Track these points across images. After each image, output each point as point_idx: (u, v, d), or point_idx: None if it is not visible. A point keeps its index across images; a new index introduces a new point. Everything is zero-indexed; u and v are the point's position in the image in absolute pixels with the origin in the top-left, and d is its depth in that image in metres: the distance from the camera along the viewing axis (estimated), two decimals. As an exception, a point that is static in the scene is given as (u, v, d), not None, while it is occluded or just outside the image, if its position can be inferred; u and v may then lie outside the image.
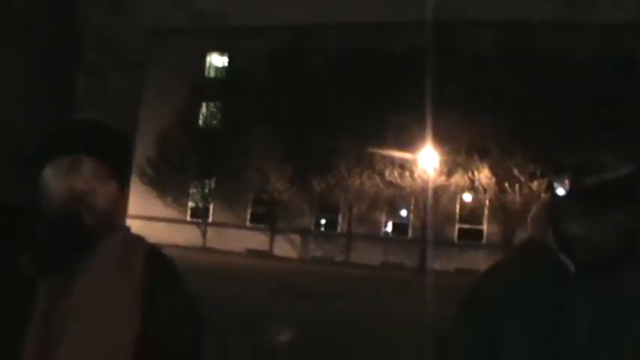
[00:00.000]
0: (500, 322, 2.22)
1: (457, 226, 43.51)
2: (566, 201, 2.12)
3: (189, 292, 2.29)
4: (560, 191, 2.10)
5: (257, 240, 46.29)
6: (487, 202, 41.76)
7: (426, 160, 39.37)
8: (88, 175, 2.07)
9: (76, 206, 2.04)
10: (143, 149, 48.80)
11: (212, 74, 51.48)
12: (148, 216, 48.03)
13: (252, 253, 44.43)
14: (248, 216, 48.41)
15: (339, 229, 46.21)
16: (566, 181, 2.07)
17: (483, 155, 40.05)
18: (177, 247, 42.65)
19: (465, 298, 2.39)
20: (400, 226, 45.50)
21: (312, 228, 46.77)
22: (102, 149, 2.12)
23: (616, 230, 2.08)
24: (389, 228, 46.16)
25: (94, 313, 2.03)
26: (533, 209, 2.35)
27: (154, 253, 2.24)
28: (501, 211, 39.86)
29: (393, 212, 45.41)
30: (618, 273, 2.13)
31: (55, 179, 2.07)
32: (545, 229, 2.25)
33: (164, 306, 2.14)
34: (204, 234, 47.19)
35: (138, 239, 2.25)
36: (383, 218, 45.54)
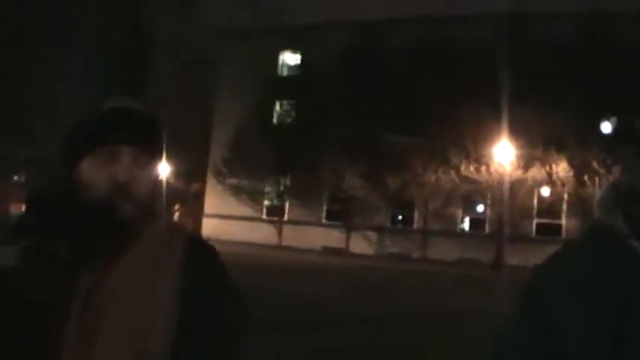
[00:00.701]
0: (560, 311, 2.14)
1: (535, 221, 42.96)
2: (619, 143, 2.08)
3: (232, 281, 2.27)
4: (607, 127, 2.07)
5: (333, 237, 46.38)
6: (565, 195, 41.18)
7: (502, 154, 38.96)
8: (128, 165, 2.08)
9: (119, 196, 2.04)
10: (218, 149, 49.47)
11: (285, 72, 51.74)
12: (224, 214, 48.63)
13: (328, 250, 44.51)
14: (324, 213, 48.54)
15: (414, 226, 46.05)
16: (614, 120, 2.03)
17: (560, 148, 39.50)
18: (253, 245, 43.16)
19: (525, 286, 2.33)
20: (477, 222, 45.16)
21: (388, 224, 46.69)
22: (139, 137, 2.12)
23: None
24: (465, 223, 45.84)
25: (132, 301, 2.04)
26: (601, 192, 2.27)
27: (194, 241, 2.24)
28: (580, 204, 39.18)
29: (469, 207, 45.09)
30: None
31: (95, 170, 2.08)
32: (613, 212, 2.16)
33: (203, 293, 2.12)
34: (280, 232, 47.46)
35: (177, 226, 2.27)
36: (459, 214, 45.23)
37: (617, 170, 2.16)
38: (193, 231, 2.26)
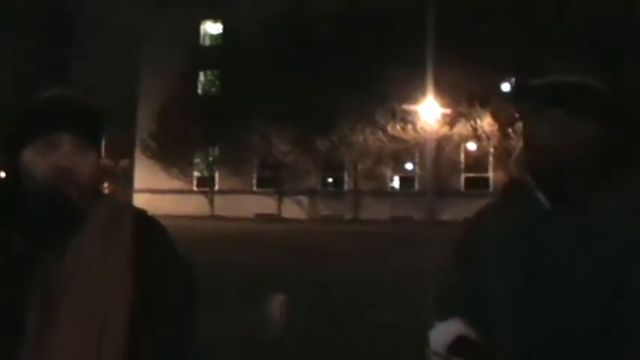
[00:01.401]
0: (481, 264, 2.30)
1: (463, 175, 43.59)
2: (517, 101, 2.24)
3: (181, 253, 2.33)
4: (506, 87, 2.17)
5: (265, 204, 46.42)
6: (491, 149, 41.76)
7: (428, 112, 39.25)
8: (69, 151, 2.12)
9: (62, 183, 2.08)
10: (144, 124, 48.97)
11: (207, 42, 51.31)
12: (154, 189, 48.26)
13: (261, 217, 44.55)
14: (254, 181, 48.53)
15: (345, 187, 46.31)
16: (512, 79, 2.13)
17: (484, 103, 40.00)
18: (186, 217, 42.93)
19: (456, 243, 2.48)
20: (406, 180, 45.59)
21: (319, 188, 46.85)
22: (79, 124, 2.16)
23: (578, 138, 2.13)
24: (396, 182, 46.22)
25: (88, 279, 2.09)
26: (516, 151, 2.39)
27: (141, 216, 2.30)
28: (506, 157, 39.78)
29: (398, 166, 45.46)
30: (592, 209, 2.14)
31: (36, 159, 2.11)
32: (525, 167, 2.28)
33: (155, 266, 2.18)
34: (211, 202, 47.34)
35: (124, 204, 2.34)
36: (389, 173, 45.60)
37: (521, 126, 2.30)
38: (140, 208, 2.36)
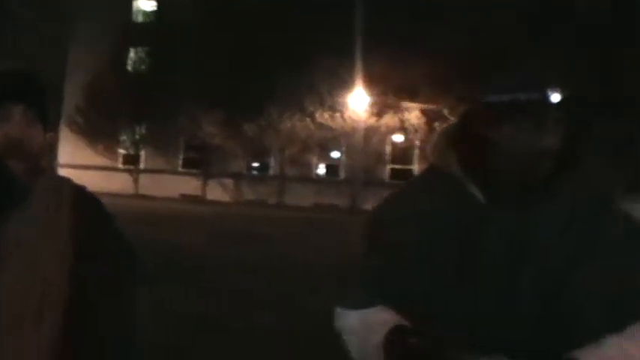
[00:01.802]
0: (405, 252, 2.27)
1: (388, 167, 43.93)
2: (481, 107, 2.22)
3: (119, 229, 2.36)
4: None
5: (190, 185, 46.23)
6: (417, 142, 42.09)
7: (357, 102, 39.57)
8: (19, 123, 2.17)
9: (11, 154, 2.12)
10: (72, 98, 48.14)
11: (140, 19, 50.69)
12: (79, 164, 47.54)
13: (185, 198, 44.39)
14: (180, 161, 48.24)
15: (271, 172, 46.34)
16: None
17: (413, 96, 40.33)
18: (110, 194, 42.46)
19: (367, 229, 2.48)
20: (332, 168, 45.81)
21: (245, 171, 46.77)
22: (28, 96, 2.22)
23: (552, 149, 2.16)
24: (321, 169, 46.42)
25: (26, 254, 2.11)
26: (434, 138, 2.44)
27: (80, 193, 2.32)
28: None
29: (324, 154, 45.65)
30: (530, 211, 2.18)
31: None
32: (447, 156, 2.33)
33: (94, 241, 2.21)
34: (136, 181, 46.95)
35: (65, 180, 2.34)
36: (315, 160, 45.76)
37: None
38: (79, 185, 2.36)
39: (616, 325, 2.10)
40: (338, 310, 2.42)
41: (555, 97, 2.19)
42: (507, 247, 2.16)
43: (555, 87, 2.20)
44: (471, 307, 2.14)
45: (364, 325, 2.28)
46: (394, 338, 2.13)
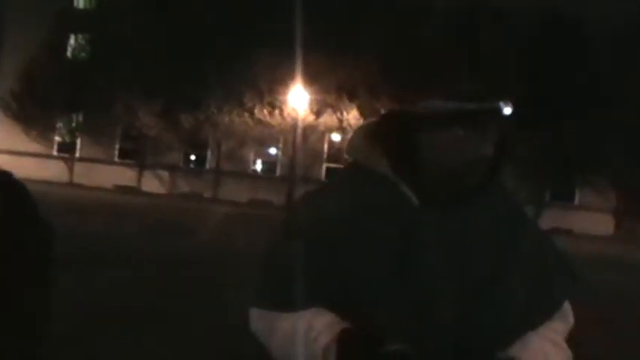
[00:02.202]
0: (335, 251, 2.21)
1: (325, 165, 44.16)
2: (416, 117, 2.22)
3: (42, 215, 2.38)
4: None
5: (125, 176, 45.92)
6: (355, 142, 42.26)
7: (296, 99, 39.69)
8: None
9: None
10: (6, 82, 47.38)
11: (81, 5, 50.14)
12: (12, 150, 46.88)
13: (120, 189, 44.08)
14: (116, 151, 47.91)
15: (207, 166, 46.26)
16: (426, 102, 2.31)
17: (352, 96, 40.59)
18: (43, 182, 41.93)
19: (286, 218, 2.42)
20: (269, 164, 45.92)
21: (181, 164, 46.65)
22: None
23: (476, 155, 2.17)
24: (258, 165, 46.47)
25: None
26: (353, 136, 2.39)
27: (6, 179, 2.35)
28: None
29: (262, 150, 45.73)
30: (459, 208, 2.21)
31: None
32: (368, 151, 2.30)
33: (13, 226, 2.23)
34: (71, 169, 46.50)
35: None
36: (251, 156, 45.80)
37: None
38: (2, 169, 2.39)
39: (540, 317, 2.25)
40: (256, 311, 2.33)
41: (507, 110, 2.18)
42: (441, 249, 2.17)
43: (506, 99, 2.19)
44: (406, 306, 2.14)
45: (303, 328, 2.17)
46: (350, 343, 2.09)
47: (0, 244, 2.19)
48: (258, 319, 2.31)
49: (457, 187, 2.19)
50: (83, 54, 47.96)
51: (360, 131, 2.38)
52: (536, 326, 2.24)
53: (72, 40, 48.70)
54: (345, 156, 2.42)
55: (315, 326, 2.15)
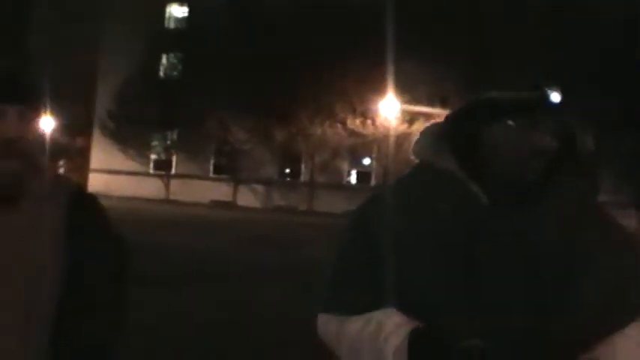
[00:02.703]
0: (402, 251, 2.19)
1: (419, 174, 43.75)
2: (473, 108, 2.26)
3: (116, 233, 2.32)
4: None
5: (221, 191, 46.33)
6: (448, 149, 41.88)
7: (388, 109, 39.44)
8: (14, 122, 2.11)
9: (6, 154, 2.08)
10: (104, 102, 48.54)
11: (172, 25, 50.99)
12: (110, 169, 47.93)
13: (216, 204, 44.45)
14: (211, 167, 48.39)
15: (301, 179, 46.33)
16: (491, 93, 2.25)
17: (444, 104, 40.17)
18: (141, 199, 42.74)
19: (352, 220, 2.42)
20: (363, 175, 45.74)
21: (275, 177, 46.84)
22: (24, 96, 2.16)
23: (533, 150, 2.16)
24: (352, 176, 46.33)
25: (20, 253, 2.10)
26: (420, 136, 2.39)
27: (79, 193, 2.29)
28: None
29: (355, 161, 45.59)
30: (528, 207, 2.18)
31: None
32: (445, 155, 2.27)
33: (87, 244, 2.18)
34: (167, 186, 47.15)
35: (64, 180, 2.32)
36: (346, 167, 45.71)
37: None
38: (77, 183, 2.37)
39: (618, 322, 2.14)
40: (323, 315, 2.32)
41: (555, 97, 2.19)
42: (510, 249, 2.14)
43: (555, 87, 2.20)
44: (477, 308, 2.11)
45: (373, 329, 2.16)
46: (422, 343, 2.08)
47: (75, 258, 2.15)
48: (326, 323, 2.31)
49: (518, 183, 2.17)
50: (175, 73, 48.71)
51: (426, 131, 2.39)
52: (618, 328, 2.14)
53: (164, 60, 49.51)
54: (412, 157, 2.41)
55: (385, 327, 2.13)
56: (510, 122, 2.16)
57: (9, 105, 2.13)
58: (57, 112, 42.56)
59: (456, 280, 2.14)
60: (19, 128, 2.12)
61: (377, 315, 2.17)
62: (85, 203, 2.28)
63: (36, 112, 2.21)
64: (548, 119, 2.18)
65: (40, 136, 2.23)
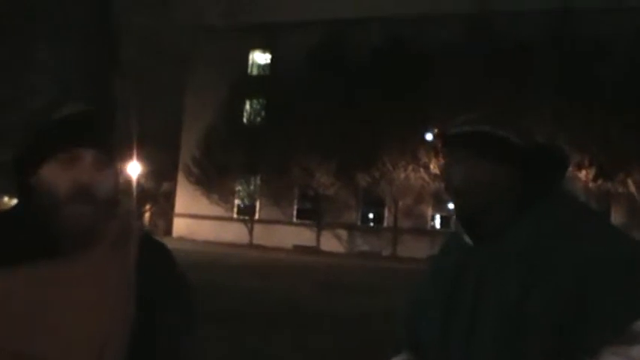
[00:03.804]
0: (418, 299, 2.54)
1: (504, 218, 43.23)
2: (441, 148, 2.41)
3: (184, 276, 2.31)
4: (429, 137, 2.34)
5: (304, 236, 46.45)
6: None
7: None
8: (89, 167, 2.09)
9: (81, 200, 2.06)
10: (188, 148, 49.41)
11: (255, 71, 51.69)
12: (195, 214, 48.54)
13: (299, 249, 44.58)
14: (294, 212, 48.60)
15: (385, 224, 46.18)
16: (435, 130, 2.31)
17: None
18: (224, 244, 43.09)
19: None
20: (447, 219, 45.37)
21: (359, 222, 46.82)
22: (99, 141, 2.14)
23: (488, 181, 2.28)
24: (436, 221, 46.01)
25: (86, 299, 2.07)
26: None
27: (147, 238, 2.27)
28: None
29: (439, 205, 45.25)
30: (502, 241, 2.25)
31: (57, 175, 2.08)
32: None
33: (156, 291, 2.16)
34: (251, 231, 47.44)
35: (132, 224, 2.28)
36: (429, 211, 45.42)
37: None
38: (146, 230, 2.34)
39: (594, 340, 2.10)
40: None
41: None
42: (476, 284, 2.26)
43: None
44: (450, 348, 2.28)
45: None
46: None
47: (142, 306, 2.13)
48: None
49: (483, 216, 2.30)
50: (259, 118, 49.26)
51: None
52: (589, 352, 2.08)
53: (247, 106, 50.13)
54: None
55: None
56: (463, 155, 2.34)
57: (84, 149, 2.11)
58: (144, 158, 43.48)
59: (436, 327, 2.34)
60: (93, 173, 2.10)
61: (396, 358, 2.55)
62: (153, 249, 2.28)
63: (111, 158, 2.18)
64: (499, 151, 2.31)
65: (116, 179, 2.19)
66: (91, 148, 2.12)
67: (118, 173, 2.22)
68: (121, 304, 2.10)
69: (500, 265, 2.22)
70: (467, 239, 2.35)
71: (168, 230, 50.37)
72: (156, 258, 2.25)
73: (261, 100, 49.38)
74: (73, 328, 2.04)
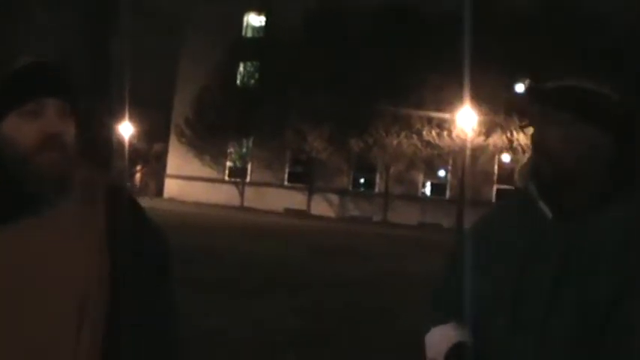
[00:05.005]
0: (477, 270, 2.29)
1: (495, 187, 43.28)
2: (528, 105, 2.25)
3: (156, 227, 2.30)
4: (520, 88, 2.22)
5: (295, 199, 46.50)
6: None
7: (464, 120, 39.10)
8: (54, 117, 2.09)
9: (49, 148, 2.06)
10: (181, 110, 49.29)
11: (249, 34, 51.43)
12: (186, 175, 48.54)
13: (290, 212, 44.64)
14: (286, 175, 48.58)
15: (376, 189, 46.22)
16: (527, 81, 2.17)
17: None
18: (215, 206, 43.16)
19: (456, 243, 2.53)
20: (438, 186, 45.43)
21: (350, 187, 46.82)
22: (64, 90, 2.15)
23: (586, 145, 2.11)
24: (427, 188, 46.07)
25: (65, 251, 2.07)
26: (524, 162, 2.36)
27: (115, 190, 2.26)
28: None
29: (430, 172, 45.28)
30: (593, 224, 2.11)
31: (21, 126, 2.08)
32: (529, 177, 2.27)
33: (129, 238, 2.16)
34: (242, 193, 47.46)
35: (99, 177, 2.28)
36: (421, 178, 45.43)
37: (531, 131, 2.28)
38: (113, 178, 2.34)
39: None
40: (424, 327, 2.43)
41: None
42: (559, 264, 2.10)
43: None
44: (516, 321, 2.15)
45: (433, 343, 2.33)
46: (451, 355, 2.23)
47: (117, 257, 2.13)
48: (424, 334, 2.42)
49: (574, 188, 2.13)
50: (252, 81, 49.09)
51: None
52: None
53: (241, 68, 49.94)
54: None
55: (441, 339, 2.28)
56: (561, 114, 2.14)
57: (50, 98, 2.11)
58: (136, 119, 43.34)
59: (503, 297, 2.19)
60: (58, 122, 2.10)
61: (441, 329, 2.35)
62: (122, 201, 2.26)
63: (74, 107, 2.19)
64: (602, 113, 2.13)
65: (77, 130, 2.19)
66: (55, 98, 2.12)
67: (81, 122, 2.22)
68: (96, 255, 2.10)
69: (588, 255, 2.07)
70: (545, 210, 2.18)
71: (159, 191, 50.39)
72: (127, 212, 2.23)
73: (255, 63, 49.14)
74: (51, 280, 2.04)
